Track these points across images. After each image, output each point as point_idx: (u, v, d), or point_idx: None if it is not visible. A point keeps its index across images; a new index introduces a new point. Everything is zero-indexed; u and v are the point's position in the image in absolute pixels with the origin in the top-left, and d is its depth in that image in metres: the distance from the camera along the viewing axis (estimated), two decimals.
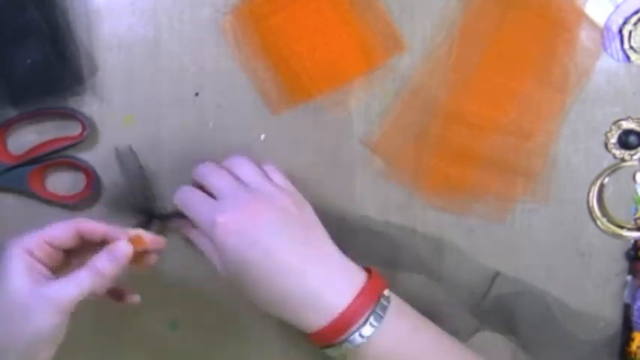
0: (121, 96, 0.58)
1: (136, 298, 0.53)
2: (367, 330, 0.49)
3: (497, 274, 0.59)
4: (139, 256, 0.50)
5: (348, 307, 0.49)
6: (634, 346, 0.58)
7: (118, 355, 0.61)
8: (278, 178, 0.54)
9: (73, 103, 0.58)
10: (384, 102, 0.58)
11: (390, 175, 0.59)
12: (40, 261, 0.47)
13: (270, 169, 0.55)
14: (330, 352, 0.50)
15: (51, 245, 0.48)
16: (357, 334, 0.49)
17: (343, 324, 0.49)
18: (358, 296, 0.49)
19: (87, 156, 0.58)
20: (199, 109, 0.59)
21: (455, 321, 0.59)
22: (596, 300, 0.59)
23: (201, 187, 0.54)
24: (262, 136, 0.59)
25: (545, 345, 0.60)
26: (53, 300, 0.45)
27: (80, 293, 0.46)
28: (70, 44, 0.56)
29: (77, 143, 0.57)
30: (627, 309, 0.59)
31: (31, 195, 0.58)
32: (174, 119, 0.59)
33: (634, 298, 0.58)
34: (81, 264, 0.47)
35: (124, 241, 0.48)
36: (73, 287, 0.46)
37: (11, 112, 0.57)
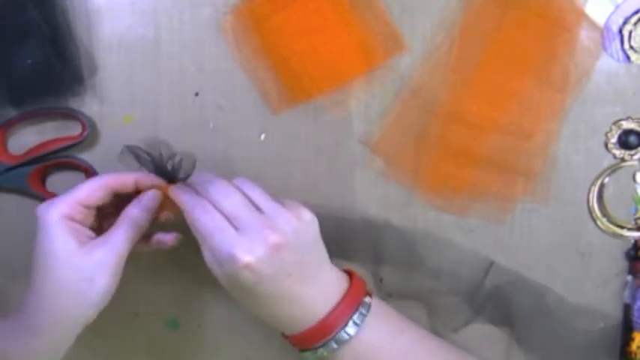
0: (121, 96, 0.58)
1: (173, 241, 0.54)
2: (350, 329, 0.49)
3: (492, 263, 0.59)
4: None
5: (332, 312, 0.49)
6: (634, 346, 0.58)
7: (118, 356, 0.61)
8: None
9: (73, 103, 0.58)
10: (384, 102, 0.58)
11: (390, 175, 0.59)
12: (79, 223, 0.48)
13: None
14: (308, 355, 0.51)
15: (85, 206, 0.49)
16: (337, 337, 0.49)
17: (325, 328, 0.49)
18: (340, 302, 0.50)
19: (87, 156, 0.59)
20: (199, 109, 0.59)
21: (450, 312, 0.60)
22: (596, 300, 0.59)
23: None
24: (262, 136, 0.59)
25: (540, 338, 0.60)
26: (106, 263, 0.47)
27: (128, 247, 0.48)
28: (70, 44, 0.56)
29: (77, 143, 0.57)
30: (627, 309, 0.59)
31: (31, 195, 0.58)
32: (174, 119, 0.59)
33: (634, 298, 0.58)
34: (114, 215, 0.50)
35: (152, 190, 0.51)
36: (121, 244, 0.48)
37: (11, 112, 0.57)
